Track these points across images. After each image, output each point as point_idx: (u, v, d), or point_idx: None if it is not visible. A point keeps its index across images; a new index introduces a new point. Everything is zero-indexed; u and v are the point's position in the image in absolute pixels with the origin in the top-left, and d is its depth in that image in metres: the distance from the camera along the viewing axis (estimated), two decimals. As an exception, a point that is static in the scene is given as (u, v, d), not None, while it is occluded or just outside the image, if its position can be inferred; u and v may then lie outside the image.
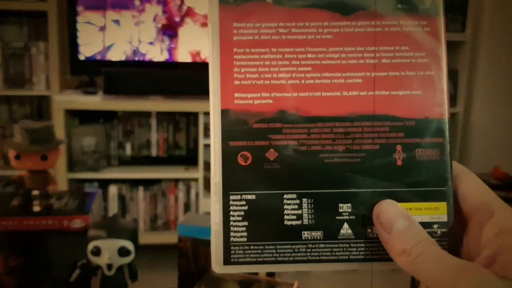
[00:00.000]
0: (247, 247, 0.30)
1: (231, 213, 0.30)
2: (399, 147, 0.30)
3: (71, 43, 2.08)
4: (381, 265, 0.30)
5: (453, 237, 0.30)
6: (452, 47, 2.31)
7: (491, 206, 0.28)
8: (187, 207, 2.18)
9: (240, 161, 0.30)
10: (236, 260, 0.30)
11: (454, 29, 2.23)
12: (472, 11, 2.24)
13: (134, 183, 2.16)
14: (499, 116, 2.30)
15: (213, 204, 0.30)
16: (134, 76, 2.10)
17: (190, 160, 2.20)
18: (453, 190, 0.30)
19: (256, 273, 0.74)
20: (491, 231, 0.27)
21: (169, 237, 2.09)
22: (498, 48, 2.27)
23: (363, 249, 0.30)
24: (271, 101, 0.30)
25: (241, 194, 0.30)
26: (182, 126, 2.23)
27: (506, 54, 2.27)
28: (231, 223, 0.30)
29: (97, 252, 0.69)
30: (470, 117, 2.34)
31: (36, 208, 0.78)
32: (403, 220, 0.28)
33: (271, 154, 0.30)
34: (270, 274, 0.76)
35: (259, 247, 0.30)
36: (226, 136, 0.30)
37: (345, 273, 1.95)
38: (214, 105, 0.30)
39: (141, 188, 2.16)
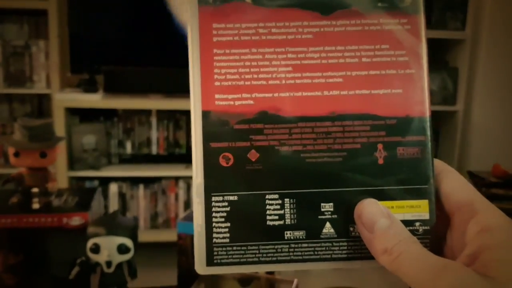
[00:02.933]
0: (230, 248, 0.30)
1: (214, 214, 0.30)
2: (380, 146, 0.30)
3: (72, 41, 2.08)
4: (364, 264, 0.30)
5: (436, 235, 0.30)
6: (452, 45, 2.31)
7: (474, 204, 0.28)
8: (187, 205, 2.18)
9: (222, 162, 0.30)
10: (219, 261, 0.30)
11: (454, 27, 2.23)
12: (472, 9, 2.24)
13: (134, 181, 2.16)
14: (499, 114, 2.30)
15: (196, 206, 0.30)
16: (134, 74, 2.10)
17: (190, 158, 2.18)
18: (435, 188, 0.30)
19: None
20: (474, 229, 0.27)
21: (169, 235, 2.09)
22: (498, 46, 2.27)
23: (346, 248, 0.30)
24: (251, 102, 0.30)
25: (223, 195, 0.30)
26: (182, 124, 2.24)
27: (506, 52, 2.27)
28: (214, 224, 0.30)
29: (96, 249, 0.69)
30: (470, 115, 2.34)
31: (36, 206, 0.79)
32: (384, 219, 0.28)
33: (253, 155, 0.30)
34: (270, 272, 0.76)
35: (242, 248, 0.30)
36: (207, 138, 0.30)
37: (345, 270, 1.96)
38: (194, 106, 0.30)
39: (141, 186, 2.16)
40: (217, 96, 0.30)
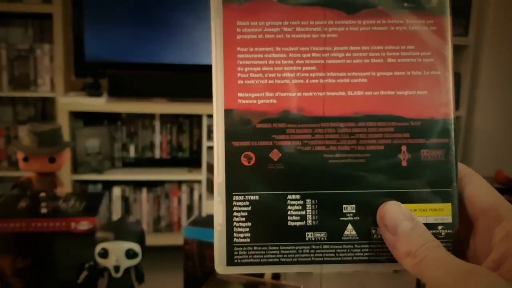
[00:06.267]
0: (251, 248, 0.30)
1: (235, 213, 0.30)
2: (404, 148, 0.30)
3: (76, 45, 2.09)
4: (385, 267, 0.30)
5: (458, 238, 0.30)
6: (455, 51, 2.29)
7: (499, 210, 0.28)
8: (190, 209, 2.19)
9: (244, 161, 0.30)
10: (239, 260, 0.30)
11: (457, 33, 2.23)
12: (475, 15, 2.25)
13: (137, 185, 2.17)
14: (501, 120, 2.30)
15: (217, 205, 0.30)
16: (138, 78, 2.11)
17: (193, 162, 2.21)
18: (458, 192, 0.30)
19: (262, 276, 0.74)
20: (499, 234, 0.27)
21: (172, 239, 2.10)
22: (501, 52, 2.28)
23: (367, 250, 0.30)
24: (275, 101, 0.30)
25: (244, 195, 0.30)
26: (186, 128, 2.24)
27: (509, 58, 2.27)
28: (235, 223, 0.30)
29: (104, 254, 0.70)
30: (473, 120, 2.35)
31: (44, 210, 0.79)
32: (407, 222, 0.28)
33: (275, 155, 0.30)
34: (276, 277, 0.76)
35: (263, 248, 0.30)
36: (229, 136, 0.30)
37: (350, 275, 1.96)
38: (217, 105, 0.30)
39: (144, 190, 2.16)
40: (240, 94, 0.30)
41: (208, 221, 0.83)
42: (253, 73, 0.30)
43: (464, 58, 2.29)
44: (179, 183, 2.18)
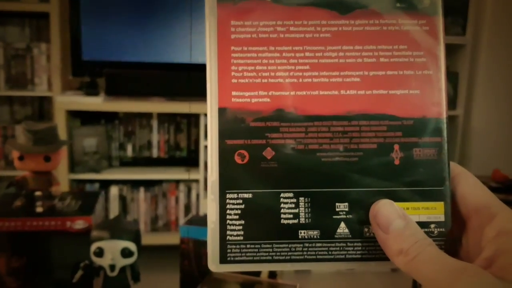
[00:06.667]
0: (244, 246, 0.30)
1: (228, 211, 0.30)
2: (396, 146, 0.30)
3: (73, 44, 2.09)
4: (378, 265, 0.30)
5: (450, 237, 0.30)
6: (452, 50, 2.32)
7: (491, 208, 0.28)
8: (187, 209, 2.18)
9: (237, 159, 0.30)
10: (232, 258, 0.30)
11: (455, 32, 2.24)
12: (472, 15, 2.25)
13: (135, 184, 2.16)
14: (499, 119, 2.31)
15: (210, 203, 0.30)
16: (136, 77, 2.11)
17: (191, 161, 2.21)
18: (450, 190, 0.30)
19: (258, 274, 0.74)
20: (491, 232, 0.27)
21: (170, 238, 2.09)
22: (499, 51, 2.28)
23: (360, 248, 0.30)
24: (268, 100, 0.30)
25: (237, 193, 0.30)
26: (183, 127, 2.24)
27: (506, 57, 2.28)
28: (228, 221, 0.30)
29: (100, 253, 0.70)
30: (470, 120, 2.35)
31: (39, 209, 0.79)
32: (400, 220, 0.28)
33: (268, 153, 0.30)
34: (272, 276, 0.76)
35: (256, 246, 0.30)
36: (223, 135, 0.30)
37: (346, 274, 1.96)
38: (211, 103, 0.30)
39: (142, 189, 2.16)
40: (233, 93, 0.30)
41: (204, 220, 0.83)
42: (247, 72, 0.30)
43: (461, 57, 2.29)
44: (177, 182, 2.18)
